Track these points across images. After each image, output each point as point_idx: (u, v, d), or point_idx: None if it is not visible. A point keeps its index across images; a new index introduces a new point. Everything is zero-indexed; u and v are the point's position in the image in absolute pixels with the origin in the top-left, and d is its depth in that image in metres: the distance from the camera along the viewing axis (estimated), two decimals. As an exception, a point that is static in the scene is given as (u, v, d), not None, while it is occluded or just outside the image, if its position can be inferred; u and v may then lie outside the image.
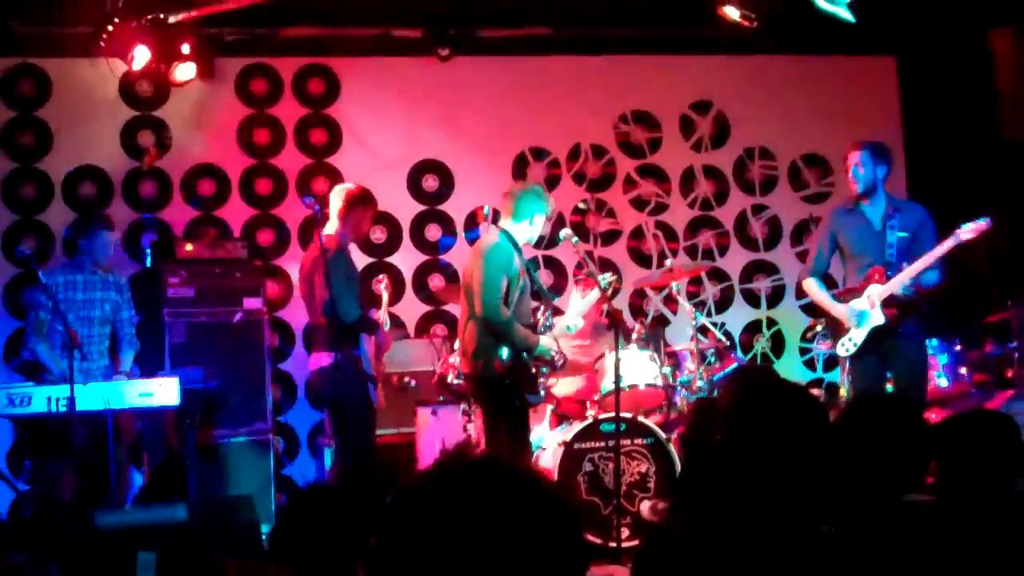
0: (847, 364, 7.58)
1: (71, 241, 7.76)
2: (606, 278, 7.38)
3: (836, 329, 7.33)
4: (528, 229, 7.04)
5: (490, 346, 6.86)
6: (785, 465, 3.20)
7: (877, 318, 7.10)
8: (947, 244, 6.97)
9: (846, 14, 5.99)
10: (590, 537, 7.25)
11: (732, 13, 6.38)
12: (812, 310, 10.42)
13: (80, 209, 9.35)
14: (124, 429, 7.37)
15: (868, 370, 7.24)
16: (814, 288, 7.49)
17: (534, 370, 6.86)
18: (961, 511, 3.55)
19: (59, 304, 7.02)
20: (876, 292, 7.09)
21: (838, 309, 7.26)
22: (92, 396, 6.76)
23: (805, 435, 3.27)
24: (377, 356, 7.62)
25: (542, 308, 7.13)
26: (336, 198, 7.37)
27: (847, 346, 7.21)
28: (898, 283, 7.03)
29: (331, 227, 7.27)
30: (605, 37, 10.26)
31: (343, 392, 7.10)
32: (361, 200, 7.38)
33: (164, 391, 6.95)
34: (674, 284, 8.79)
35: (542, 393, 7.12)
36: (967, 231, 6.92)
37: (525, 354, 6.83)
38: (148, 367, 8.08)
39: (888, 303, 7.07)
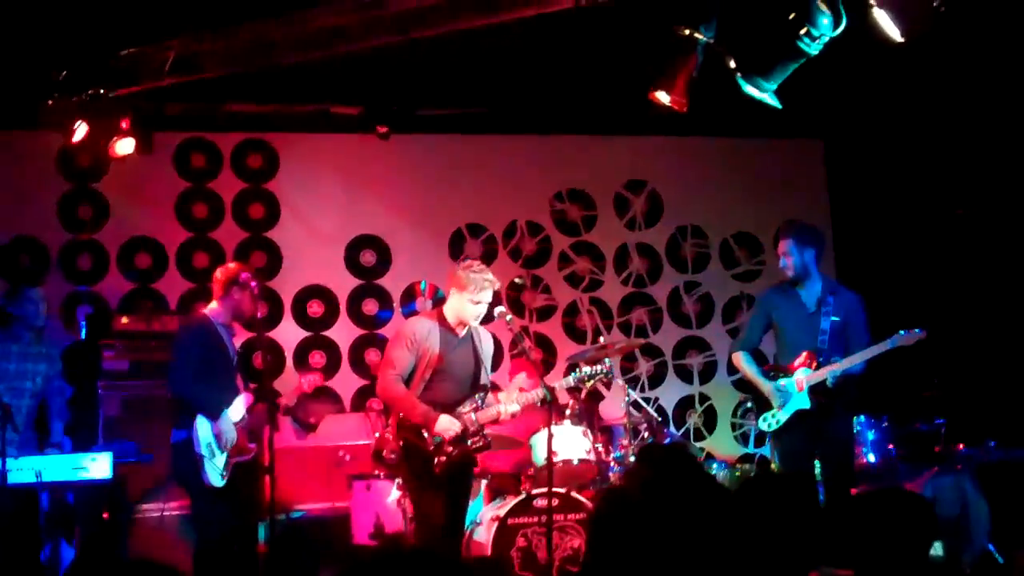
0: (772, 439, 7.70)
1: (3, 311, 7.68)
2: (595, 372, 7.31)
3: (760, 404, 7.47)
4: (451, 306, 7.00)
5: (392, 421, 7.03)
6: (688, 541, 3.29)
7: (803, 402, 7.24)
8: (882, 347, 7.13)
9: (772, 101, 6.16)
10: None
11: (663, 98, 6.54)
12: (744, 386, 10.60)
13: (16, 280, 9.31)
14: (56, 502, 7.31)
15: (794, 446, 7.33)
16: (743, 362, 7.60)
17: (431, 448, 6.78)
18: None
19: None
20: (805, 377, 7.22)
21: (765, 386, 7.37)
22: (24, 469, 6.71)
23: (704, 513, 3.37)
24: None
25: (479, 392, 7.07)
26: (216, 276, 7.33)
27: (770, 422, 7.34)
28: (828, 373, 7.17)
29: (211, 305, 7.30)
30: (541, 117, 10.44)
31: (177, 473, 7.11)
32: (237, 281, 7.26)
33: (97, 465, 6.92)
34: (607, 360, 8.88)
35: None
36: (903, 339, 7.10)
37: (424, 431, 6.80)
38: (82, 440, 8.02)
39: (816, 390, 7.22)
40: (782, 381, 7.31)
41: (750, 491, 3.72)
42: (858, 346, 7.29)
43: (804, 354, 7.28)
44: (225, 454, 6.96)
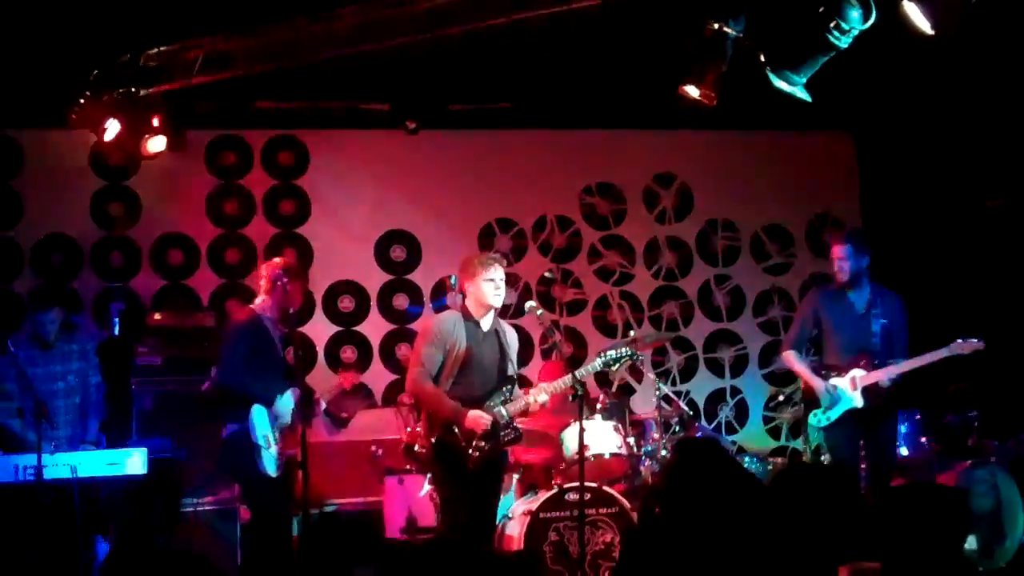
0: (806, 430, 7.85)
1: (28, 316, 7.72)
2: (621, 356, 7.27)
3: (811, 400, 7.63)
4: (470, 298, 7.07)
5: (423, 418, 7.14)
6: (721, 537, 3.29)
7: (856, 400, 7.44)
8: (940, 353, 7.39)
9: (803, 95, 6.14)
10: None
11: (692, 92, 6.54)
12: (775, 379, 10.60)
13: (49, 277, 9.40)
14: (90, 498, 7.36)
15: (844, 440, 7.54)
16: (794, 360, 7.80)
17: (463, 443, 6.82)
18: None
19: (23, 374, 7.02)
20: (859, 377, 7.44)
21: (817, 383, 7.57)
22: (59, 465, 6.76)
23: (740, 508, 3.37)
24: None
25: (507, 385, 7.11)
26: (262, 272, 7.42)
27: (820, 418, 7.55)
28: (885, 375, 7.40)
29: (258, 299, 7.35)
30: (570, 111, 10.43)
31: (232, 465, 7.13)
32: (286, 274, 7.33)
33: (132, 460, 6.96)
34: (639, 354, 8.85)
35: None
36: (962, 346, 7.35)
37: (456, 427, 6.84)
38: (115, 435, 8.07)
39: (871, 391, 7.43)
40: (833, 380, 7.51)
41: (789, 481, 3.71)
42: (899, 347, 7.55)
43: (859, 355, 7.49)
44: (277, 445, 7.06)
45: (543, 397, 7.05)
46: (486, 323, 7.05)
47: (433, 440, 6.91)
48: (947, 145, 10.05)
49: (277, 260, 7.58)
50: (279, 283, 7.25)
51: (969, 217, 10.03)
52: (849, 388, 7.46)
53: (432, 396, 6.90)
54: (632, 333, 8.96)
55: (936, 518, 3.69)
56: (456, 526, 6.81)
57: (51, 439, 7.01)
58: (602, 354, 7.30)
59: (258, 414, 6.97)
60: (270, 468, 6.95)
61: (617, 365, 7.32)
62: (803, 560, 3.46)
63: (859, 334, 7.57)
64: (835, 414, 7.49)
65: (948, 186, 10.16)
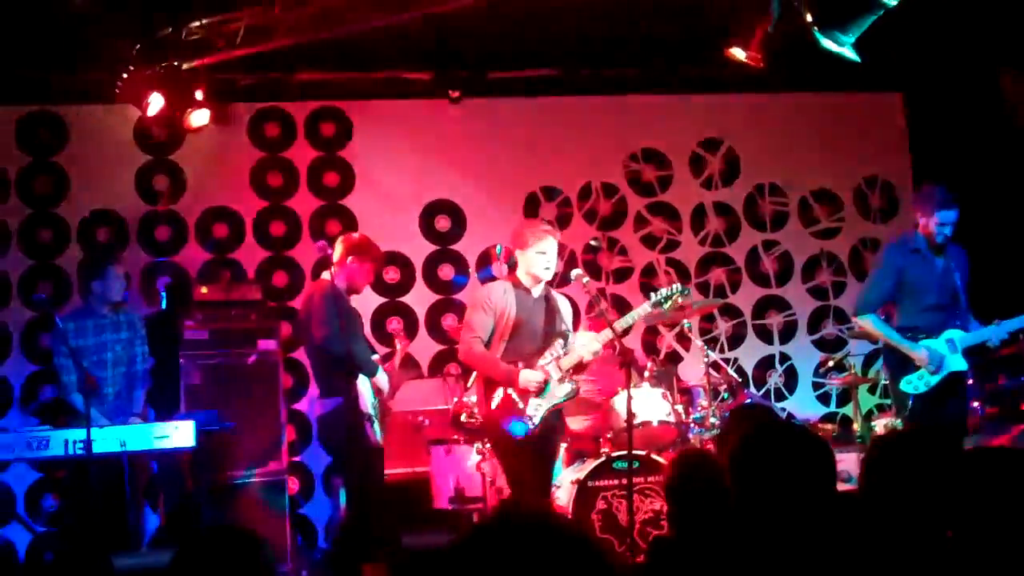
0: (897, 399, 7.62)
1: (83, 285, 7.78)
2: (671, 293, 7.23)
3: (900, 366, 7.37)
4: (521, 267, 7.09)
5: (479, 387, 7.13)
6: (796, 505, 3.23)
7: (958, 363, 7.23)
8: None
9: (851, 54, 6.05)
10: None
11: (739, 54, 6.46)
12: (825, 345, 10.49)
13: (96, 253, 9.43)
14: (140, 471, 7.42)
15: (934, 407, 7.26)
16: (875, 325, 7.51)
17: (522, 404, 6.85)
18: (979, 545, 3.56)
19: (73, 349, 7.07)
20: (958, 337, 7.24)
21: (913, 348, 7.28)
22: (108, 439, 6.81)
23: (812, 474, 3.30)
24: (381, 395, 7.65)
25: (559, 339, 7.12)
26: (337, 245, 7.53)
27: (916, 384, 7.26)
28: (993, 335, 7.21)
29: (329, 272, 7.38)
30: (614, 77, 10.34)
31: (337, 434, 7.15)
32: (359, 249, 7.45)
33: (180, 433, 7.00)
34: (686, 321, 8.78)
35: (530, 424, 6.90)
36: None
37: (511, 389, 6.88)
38: (163, 409, 8.13)
39: (976, 350, 7.29)
40: (930, 342, 7.27)
41: (898, 448, 3.61)
42: (966, 300, 7.34)
43: (947, 315, 7.31)
44: (379, 416, 7.20)
45: (595, 346, 7.05)
46: (536, 289, 7.08)
47: (493, 407, 6.91)
48: (1000, 106, 9.87)
49: (355, 235, 7.68)
50: (350, 258, 7.36)
51: (1021, 180, 9.86)
52: (949, 350, 7.24)
53: (485, 360, 6.95)
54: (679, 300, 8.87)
55: (1012, 485, 3.57)
56: (521, 491, 6.86)
57: (101, 412, 7.09)
58: (652, 294, 7.25)
59: (363, 384, 7.09)
60: (378, 437, 7.09)
61: (668, 304, 7.24)
62: (908, 529, 3.37)
63: (944, 292, 7.33)
64: (936, 379, 7.21)
65: (1000, 148, 9.98)
